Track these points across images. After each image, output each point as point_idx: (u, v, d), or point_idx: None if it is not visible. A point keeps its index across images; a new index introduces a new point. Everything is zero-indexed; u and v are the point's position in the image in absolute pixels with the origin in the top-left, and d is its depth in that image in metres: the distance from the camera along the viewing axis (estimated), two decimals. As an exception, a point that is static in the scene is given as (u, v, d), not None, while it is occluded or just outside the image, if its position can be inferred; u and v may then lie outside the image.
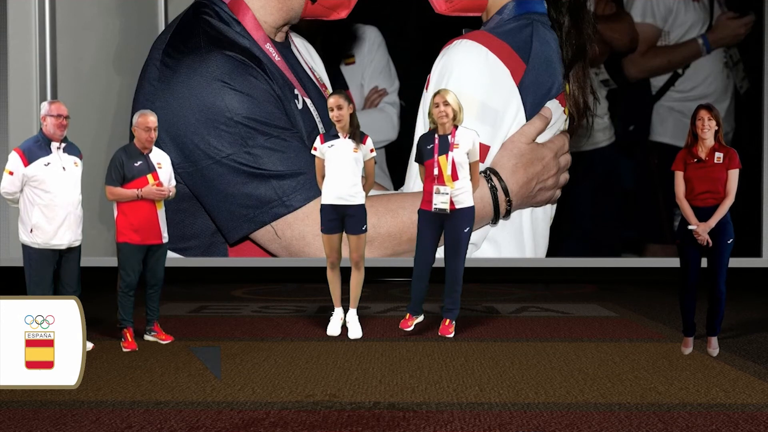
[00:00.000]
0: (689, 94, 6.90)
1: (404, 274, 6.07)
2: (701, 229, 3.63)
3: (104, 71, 6.24)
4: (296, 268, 6.03)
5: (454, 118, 4.02)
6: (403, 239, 5.02)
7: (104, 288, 4.54)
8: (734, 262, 5.96)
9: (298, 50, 5.78)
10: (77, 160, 3.77)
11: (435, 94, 4.05)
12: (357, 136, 4.01)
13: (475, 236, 5.30)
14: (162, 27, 6.40)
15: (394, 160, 6.74)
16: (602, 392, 3.09)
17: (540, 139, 5.24)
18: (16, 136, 5.91)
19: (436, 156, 4.02)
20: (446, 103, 3.99)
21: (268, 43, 5.32)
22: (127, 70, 6.11)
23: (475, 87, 4.97)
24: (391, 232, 5.07)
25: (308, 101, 5.44)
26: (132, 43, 6.29)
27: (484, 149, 5.08)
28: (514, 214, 5.29)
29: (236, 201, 5.06)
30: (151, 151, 3.91)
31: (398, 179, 5.84)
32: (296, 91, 5.36)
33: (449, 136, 4.02)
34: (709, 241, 3.64)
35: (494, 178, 5.10)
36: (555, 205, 5.64)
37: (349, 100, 4.02)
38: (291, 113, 5.21)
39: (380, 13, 6.88)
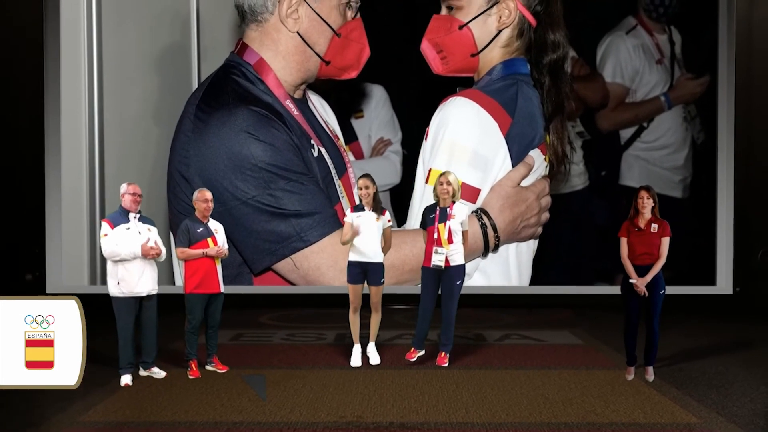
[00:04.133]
0: (653, 144, 7.46)
1: (405, 300, 6.62)
2: (640, 283, 4.40)
3: (145, 122, 6.68)
4: (313, 295, 6.50)
5: (453, 195, 4.82)
6: (405, 269, 5.30)
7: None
8: (692, 290, 6.62)
9: (314, 105, 6.08)
10: (150, 226, 4.58)
11: (440, 175, 4.81)
12: (378, 209, 4.86)
13: (467, 267, 5.44)
14: (195, 85, 6.82)
15: (397, 202, 7.00)
16: (555, 414, 3.69)
17: (524, 183, 5.56)
18: (68, 180, 6.42)
19: (436, 224, 4.80)
20: (448, 183, 4.78)
21: (287, 100, 5.63)
22: (165, 121, 6.48)
23: (468, 138, 5.31)
24: (394, 264, 5.31)
25: (323, 150, 5.72)
26: (169, 98, 6.70)
27: (475, 192, 5.38)
28: (501, 249, 5.61)
29: (260, 236, 5.33)
30: (209, 220, 4.76)
31: (400, 218, 6.06)
32: (312, 141, 5.64)
33: (448, 209, 4.80)
34: (646, 292, 4.40)
35: (484, 217, 5.41)
36: (537, 240, 5.94)
37: (374, 182, 4.86)
38: (308, 160, 5.50)
39: (386, 74, 7.23)
